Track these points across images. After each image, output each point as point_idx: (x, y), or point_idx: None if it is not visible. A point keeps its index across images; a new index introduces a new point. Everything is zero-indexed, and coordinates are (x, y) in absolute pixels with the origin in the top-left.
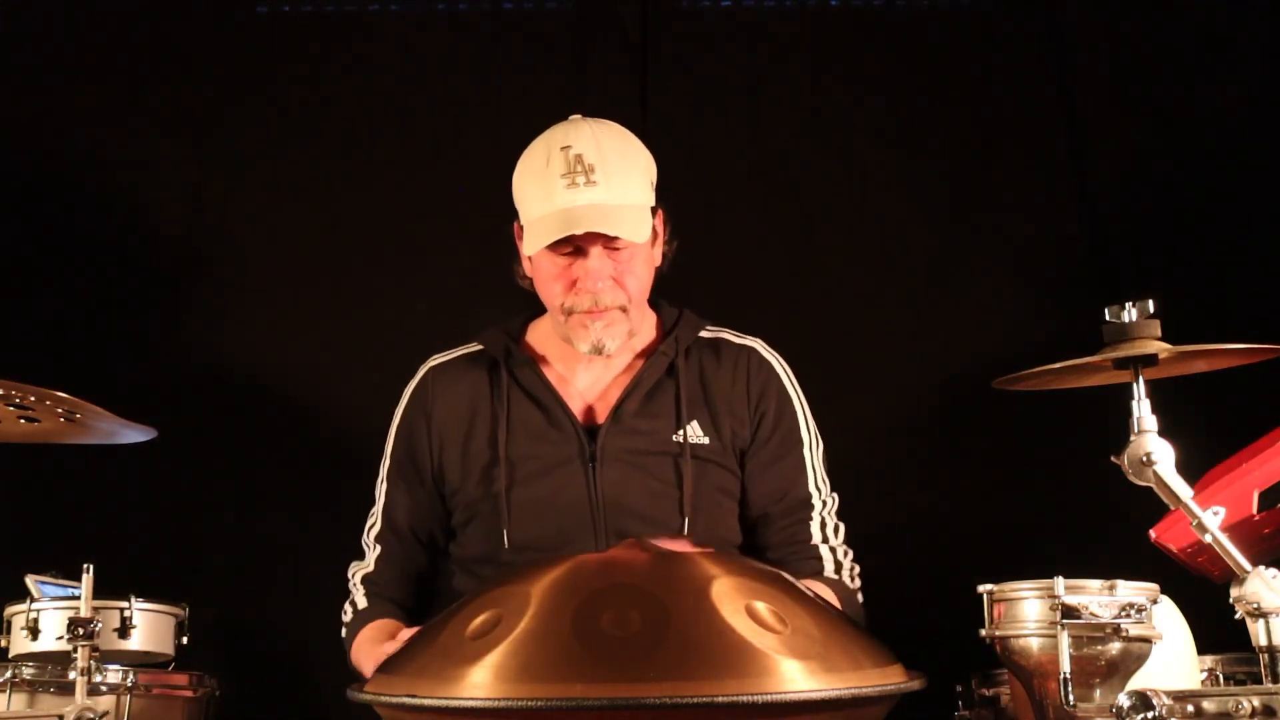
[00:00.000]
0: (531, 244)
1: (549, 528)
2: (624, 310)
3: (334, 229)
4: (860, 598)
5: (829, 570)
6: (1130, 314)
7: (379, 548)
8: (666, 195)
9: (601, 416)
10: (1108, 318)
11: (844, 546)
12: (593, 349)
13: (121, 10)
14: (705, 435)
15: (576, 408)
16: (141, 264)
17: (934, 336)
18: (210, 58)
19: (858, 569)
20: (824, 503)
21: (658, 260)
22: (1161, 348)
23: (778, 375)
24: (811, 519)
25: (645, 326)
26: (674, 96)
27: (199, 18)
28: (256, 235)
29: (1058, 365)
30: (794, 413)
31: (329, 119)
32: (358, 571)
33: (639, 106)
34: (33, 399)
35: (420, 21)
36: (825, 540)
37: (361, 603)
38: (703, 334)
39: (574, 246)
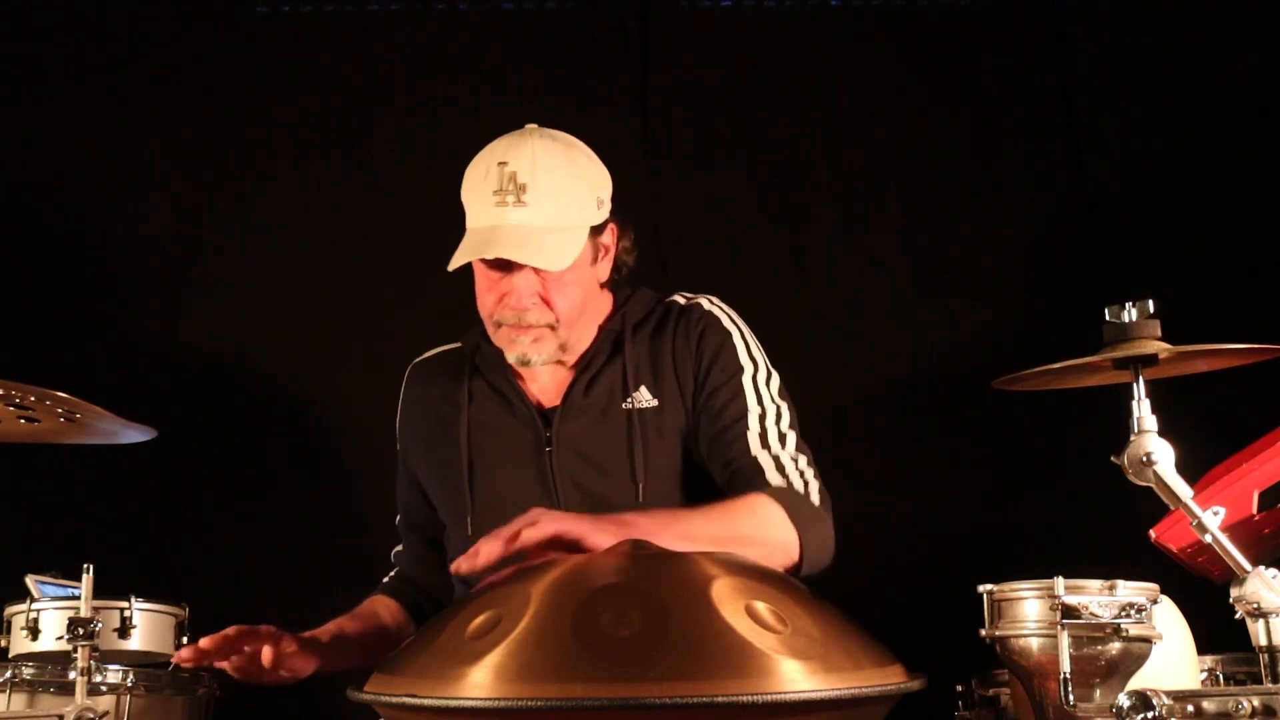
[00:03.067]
0: (454, 259)
1: (509, 516)
2: (552, 329)
3: (334, 228)
4: (816, 500)
5: (773, 478)
6: (1130, 314)
7: (401, 535)
8: (665, 194)
9: (556, 403)
10: (1108, 318)
11: (796, 454)
12: (519, 361)
13: (121, 10)
14: (654, 398)
15: (535, 397)
16: (142, 264)
17: (934, 336)
18: (210, 57)
19: (818, 484)
20: (763, 413)
21: (603, 276)
22: (1161, 348)
23: (717, 319)
24: (748, 429)
25: (602, 313)
26: (674, 96)
27: (199, 17)
28: (257, 235)
29: (1058, 365)
30: (732, 346)
31: (329, 118)
32: (394, 549)
33: (639, 106)
34: (33, 399)
35: (420, 21)
36: (766, 448)
37: (386, 579)
38: (656, 307)
39: (502, 261)
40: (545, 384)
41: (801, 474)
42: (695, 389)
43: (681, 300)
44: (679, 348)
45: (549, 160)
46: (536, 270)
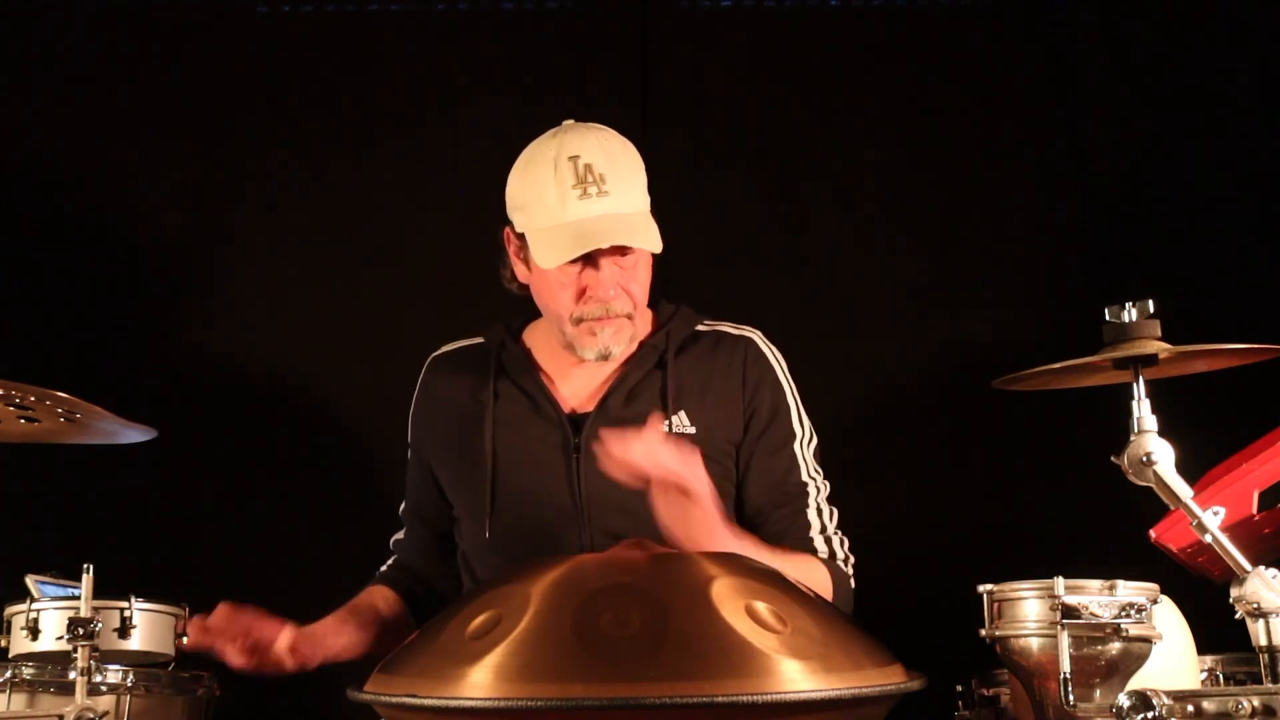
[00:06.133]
0: (549, 257)
1: (531, 519)
2: (630, 317)
3: (335, 228)
4: (853, 583)
5: (823, 553)
6: (1130, 314)
7: (405, 524)
8: (666, 194)
9: (588, 409)
10: (1108, 318)
11: (839, 535)
12: (599, 355)
13: (122, 10)
14: (692, 425)
15: (565, 402)
16: (142, 264)
17: (933, 336)
18: (210, 57)
19: (852, 558)
20: (818, 489)
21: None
22: (1161, 348)
23: (773, 368)
24: (808, 507)
25: (643, 326)
26: (674, 96)
27: (199, 18)
28: (257, 235)
29: (1058, 365)
30: (788, 408)
31: (329, 119)
32: (393, 537)
33: (639, 106)
34: (33, 399)
35: (420, 21)
36: (823, 530)
37: (383, 567)
38: (700, 328)
39: (585, 256)
40: (577, 389)
41: (845, 556)
42: (743, 436)
43: (731, 330)
44: (729, 387)
45: (616, 149)
46: (618, 260)
